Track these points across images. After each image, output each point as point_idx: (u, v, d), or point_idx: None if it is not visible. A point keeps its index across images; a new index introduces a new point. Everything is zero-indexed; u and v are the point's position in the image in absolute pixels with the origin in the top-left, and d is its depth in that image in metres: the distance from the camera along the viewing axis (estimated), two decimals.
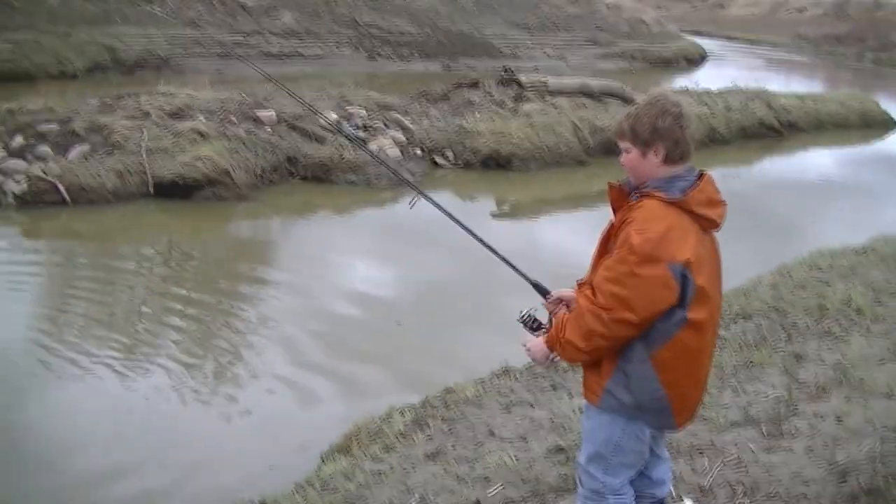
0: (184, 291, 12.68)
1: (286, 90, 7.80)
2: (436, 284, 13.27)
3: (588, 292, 4.55)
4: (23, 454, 8.50)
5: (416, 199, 6.07)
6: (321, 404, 9.71)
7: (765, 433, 6.88)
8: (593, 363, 4.68)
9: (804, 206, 19.80)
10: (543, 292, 5.18)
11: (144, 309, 12.15)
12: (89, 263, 13.98)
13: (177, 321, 11.66)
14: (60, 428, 9.08)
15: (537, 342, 4.87)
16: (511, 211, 19.17)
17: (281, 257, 14.89)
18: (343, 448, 8.10)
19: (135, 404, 9.56)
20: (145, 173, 16.59)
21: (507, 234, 16.52)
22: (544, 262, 12.96)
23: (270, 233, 16.49)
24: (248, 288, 13.01)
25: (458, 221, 5.58)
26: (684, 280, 4.41)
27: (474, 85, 24.52)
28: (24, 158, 16.87)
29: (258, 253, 15.08)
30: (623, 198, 4.70)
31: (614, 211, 4.73)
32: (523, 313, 5.06)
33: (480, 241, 5.47)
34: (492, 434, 7.73)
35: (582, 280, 4.88)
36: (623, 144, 4.69)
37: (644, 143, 4.58)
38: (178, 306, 12.12)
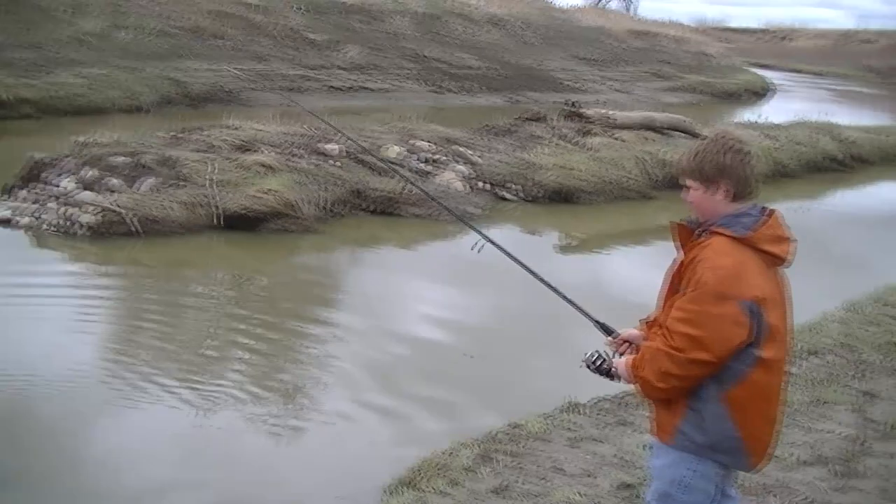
0: (250, 322, 12.75)
1: (336, 128, 7.87)
2: (501, 317, 13.27)
3: (662, 332, 4.54)
4: (89, 482, 8.60)
5: (480, 244, 6.11)
6: (385, 436, 9.71)
7: (835, 473, 6.80)
8: (665, 401, 4.67)
9: (874, 241, 19.54)
10: (608, 332, 5.18)
11: (211, 339, 12.26)
12: (158, 294, 14.12)
13: (242, 351, 11.74)
14: (128, 455, 9.14)
15: (623, 362, 4.89)
16: (576, 245, 19.14)
17: (346, 289, 14.98)
18: (408, 481, 8.07)
19: (201, 433, 9.65)
20: (213, 205, 16.74)
21: (571, 267, 16.50)
22: (609, 297, 12.93)
23: (336, 265, 16.58)
24: (312, 319, 13.07)
25: (521, 263, 5.63)
26: (756, 317, 4.39)
27: (539, 118, 24.58)
28: (96, 190, 17.13)
29: (323, 285, 15.18)
30: (689, 235, 4.70)
31: (681, 249, 4.72)
32: (589, 356, 5.05)
33: (544, 282, 5.49)
34: (558, 470, 7.73)
35: (649, 318, 4.87)
36: (688, 182, 4.70)
37: (709, 181, 4.59)
38: (244, 336, 12.20)
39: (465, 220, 7.47)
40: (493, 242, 6.03)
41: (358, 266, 16.54)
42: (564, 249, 18.45)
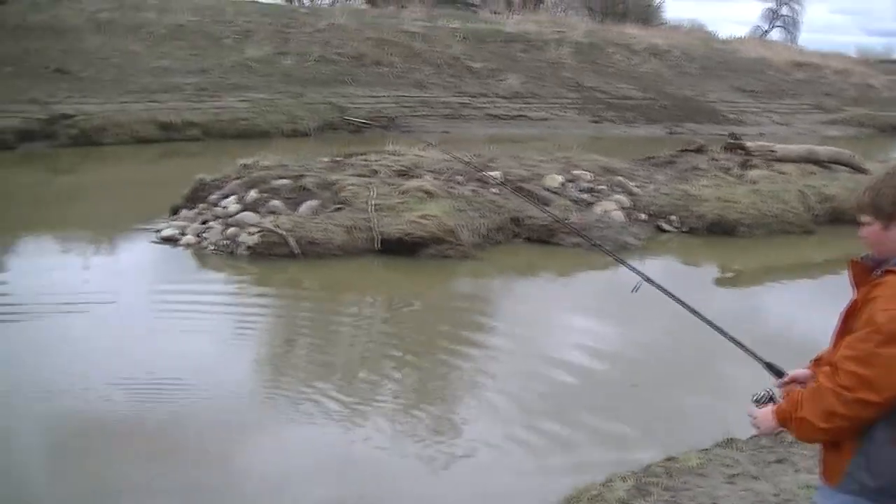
0: (403, 345, 12.87)
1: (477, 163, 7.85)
2: (656, 350, 13.04)
3: (828, 370, 4.41)
4: (240, 496, 8.74)
5: (639, 284, 6.04)
6: (536, 464, 9.59)
7: None
8: (833, 443, 4.53)
9: None
10: (778, 373, 5.05)
11: (364, 360, 12.37)
12: (314, 313, 14.39)
13: (395, 373, 11.84)
14: (280, 469, 9.31)
15: (765, 413, 4.74)
16: (735, 279, 18.78)
17: (501, 316, 14.95)
18: None
19: (352, 452, 9.72)
20: (372, 229, 16.93)
21: (730, 301, 16.18)
22: (768, 332, 12.63)
23: (492, 292, 16.58)
24: (466, 344, 13.05)
25: (682, 303, 5.53)
26: None
27: (700, 150, 24.30)
28: (258, 212, 17.52)
29: (478, 311, 15.17)
30: (866, 273, 4.56)
31: (856, 287, 4.59)
32: (758, 396, 4.93)
33: (707, 321, 5.40)
34: None
35: (819, 356, 4.75)
36: (864, 218, 4.56)
37: (887, 217, 4.44)
38: (397, 359, 12.30)
39: (624, 261, 7.36)
40: (652, 282, 5.95)
41: (514, 294, 16.52)
42: (722, 282, 18.12)
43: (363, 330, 13.90)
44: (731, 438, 9.17)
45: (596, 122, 39.12)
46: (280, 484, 8.88)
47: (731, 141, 24.61)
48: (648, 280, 5.99)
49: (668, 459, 8.81)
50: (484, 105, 37.23)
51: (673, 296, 5.64)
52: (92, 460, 9.22)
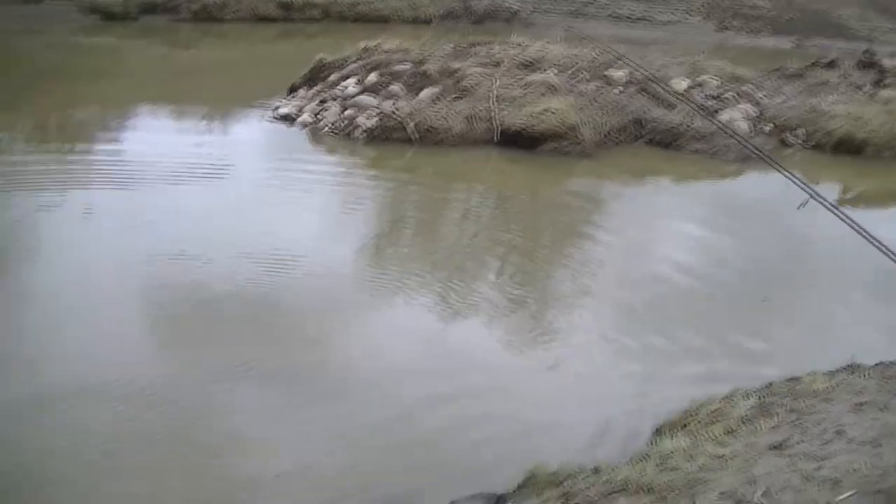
0: (511, 239, 12.57)
1: (628, 61, 7.37)
2: (777, 267, 12.46)
3: None
4: (337, 384, 8.51)
5: (805, 201, 5.57)
6: (647, 371, 9.20)
7: None
8: None
9: None
10: None
11: (470, 250, 12.16)
12: (425, 199, 14.26)
13: (498, 265, 11.60)
14: (376, 341, 9.31)
15: None
16: (856, 199, 18.04)
17: (614, 217, 14.41)
18: (680, 424, 7.63)
19: (449, 340, 9.60)
20: (492, 120, 16.51)
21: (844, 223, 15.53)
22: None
23: (608, 192, 16.04)
24: (575, 242, 12.72)
25: (854, 225, 5.05)
26: None
27: (831, 65, 23.28)
28: (377, 95, 17.20)
29: (592, 210, 14.68)
30: None
31: None
32: None
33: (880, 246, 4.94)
34: (840, 433, 7.09)
35: None
36: None
37: None
38: (503, 252, 12.03)
39: (788, 173, 6.81)
40: (821, 199, 5.48)
41: (630, 195, 15.94)
42: (843, 203, 17.42)
43: (472, 220, 13.65)
44: (857, 364, 8.69)
45: (721, 30, 37.83)
46: (376, 374, 8.71)
47: (866, 58, 23.58)
48: (816, 197, 5.51)
49: (792, 380, 8.37)
50: (608, 3, 36.26)
51: (842, 215, 5.17)
52: (199, 333, 9.20)
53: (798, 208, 5.56)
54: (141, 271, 10.31)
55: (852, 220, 5.09)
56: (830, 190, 17.56)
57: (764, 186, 15.45)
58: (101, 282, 10.01)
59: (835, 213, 5.12)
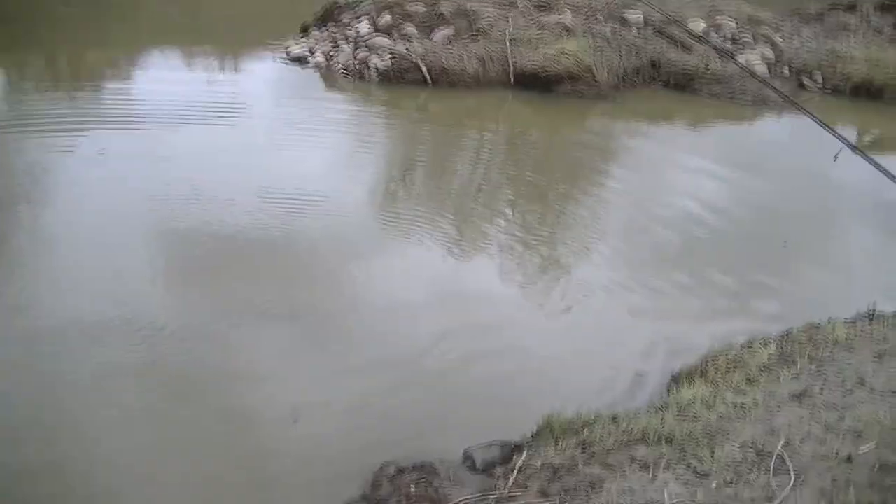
0: (524, 179, 12.50)
1: (645, 2, 7.18)
2: (793, 211, 12.26)
3: None
4: (349, 324, 8.41)
5: (840, 150, 5.41)
6: (662, 314, 9.04)
7: None
8: None
9: None
10: None
11: (482, 190, 12.07)
12: (438, 140, 14.12)
13: (509, 208, 11.46)
14: (386, 279, 9.22)
15: None
16: (872, 143, 17.79)
17: (630, 159, 14.20)
18: (699, 372, 7.49)
19: (457, 281, 9.50)
20: (507, 62, 16.31)
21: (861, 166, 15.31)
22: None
23: (622, 134, 15.81)
24: (590, 183, 12.61)
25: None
26: None
27: (851, 8, 22.93)
28: (390, 36, 16.97)
29: (606, 152, 14.47)
30: None
31: None
32: None
33: None
34: (862, 383, 6.97)
35: None
36: None
37: None
38: (516, 193, 11.94)
39: (820, 122, 6.59)
40: (856, 149, 5.31)
41: (646, 138, 15.73)
42: (858, 147, 17.10)
43: (486, 161, 13.51)
44: (879, 312, 8.56)
45: None
46: (387, 314, 8.58)
47: (888, 0, 23.20)
48: (852, 147, 5.35)
49: (812, 327, 8.23)
50: None
51: (872, 161, 5.02)
52: (213, 273, 9.09)
53: (834, 158, 5.39)
54: (156, 212, 10.17)
55: (883, 167, 4.92)
56: (849, 133, 17.35)
57: (782, 130, 15.29)
58: (116, 223, 9.86)
59: (870, 163, 4.96)
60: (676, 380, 7.55)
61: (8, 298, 8.26)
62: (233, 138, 12.81)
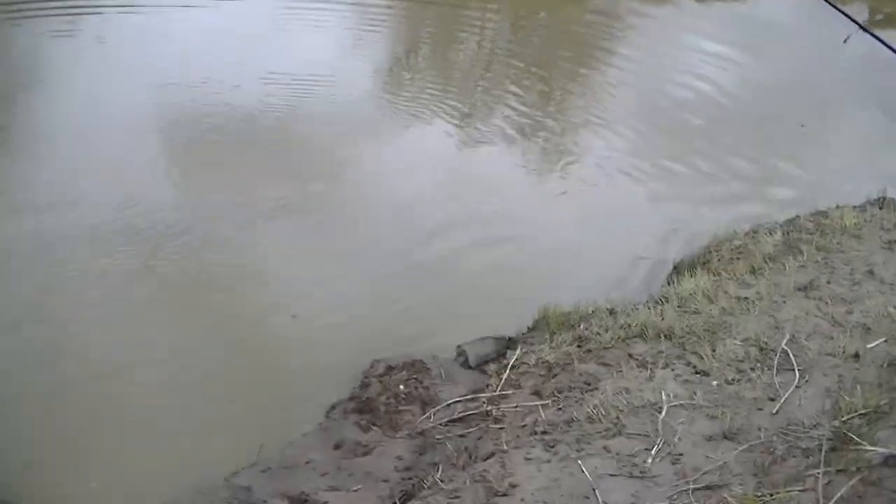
0: (528, 58, 11.97)
1: None
2: (800, 92, 11.71)
3: None
4: (356, 212, 8.13)
5: (851, 34, 5.04)
6: (663, 197, 8.67)
7: None
8: None
9: None
10: None
11: (487, 70, 11.64)
12: (441, 22, 13.59)
13: (514, 89, 10.95)
14: (394, 165, 8.91)
15: None
16: (884, 22, 17.10)
17: (636, 37, 13.51)
18: (702, 261, 7.13)
19: (464, 166, 9.23)
20: None
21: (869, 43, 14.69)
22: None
23: (628, 11, 15.14)
24: (594, 62, 12.17)
25: None
26: None
27: None
28: None
29: (612, 29, 13.87)
30: None
31: None
32: None
33: None
34: (871, 274, 6.60)
35: None
36: None
37: None
38: (519, 73, 11.41)
39: (830, 2, 6.17)
40: (868, 31, 4.91)
41: (652, 16, 14.97)
42: (869, 25, 16.44)
43: (489, 42, 13.02)
44: (888, 199, 8.16)
45: None
46: (393, 200, 8.28)
47: None
48: (863, 28, 4.96)
49: (819, 213, 7.83)
50: None
51: (891, 47, 4.63)
52: (228, 165, 8.71)
53: (844, 41, 5.01)
54: (160, 98, 9.79)
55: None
56: (859, 13, 16.67)
57: (790, 10, 14.67)
58: (118, 111, 9.45)
59: (884, 45, 4.59)
60: (679, 268, 7.19)
61: (7, 196, 7.90)
62: (237, 20, 12.30)
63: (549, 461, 4.66)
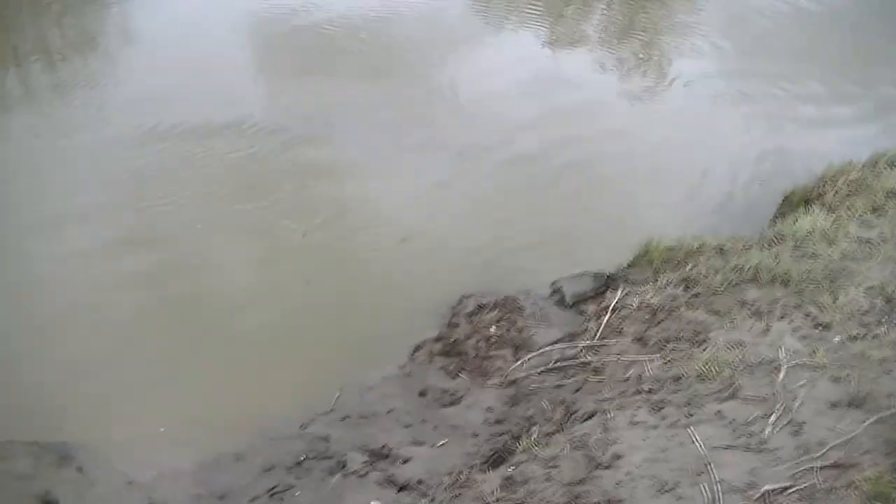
0: None
1: None
2: None
3: None
4: (446, 122, 7.65)
5: None
6: (768, 119, 7.93)
7: None
8: None
9: None
10: None
11: None
12: None
13: (603, 5, 10.36)
14: (483, 88, 8.23)
15: None
16: None
17: None
18: (815, 194, 6.31)
19: (559, 72, 8.63)
20: None
21: None
22: None
23: None
24: None
25: None
26: None
27: None
28: None
29: None
30: None
31: None
32: None
33: None
34: None
35: None
36: None
37: None
38: None
39: None
40: None
41: None
42: None
43: None
44: None
45: None
46: (484, 103, 7.85)
47: None
48: None
49: None
50: None
51: None
52: (305, 66, 8.40)
53: None
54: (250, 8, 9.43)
55: None
56: None
57: None
58: (208, 19, 9.17)
59: None
60: (788, 200, 6.43)
61: (104, 103, 7.69)
62: None
63: (655, 426, 4.04)
